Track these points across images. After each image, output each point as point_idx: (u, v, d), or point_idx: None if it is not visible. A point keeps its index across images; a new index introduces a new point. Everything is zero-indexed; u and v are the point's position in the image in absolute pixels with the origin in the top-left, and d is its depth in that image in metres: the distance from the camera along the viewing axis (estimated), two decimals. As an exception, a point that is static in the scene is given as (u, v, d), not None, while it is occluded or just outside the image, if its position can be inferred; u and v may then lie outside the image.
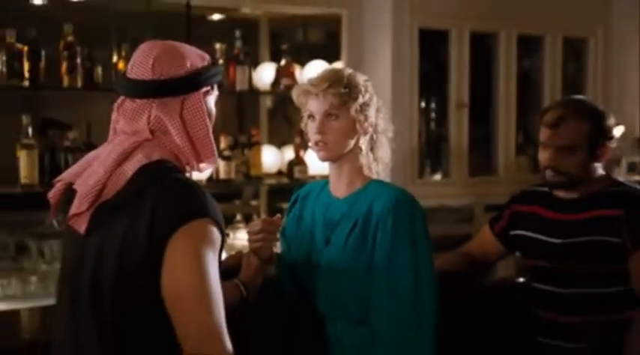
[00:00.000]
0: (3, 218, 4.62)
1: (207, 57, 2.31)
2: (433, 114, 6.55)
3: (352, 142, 2.63)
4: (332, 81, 2.58)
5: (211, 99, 2.30)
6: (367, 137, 2.65)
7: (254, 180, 5.35)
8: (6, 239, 4.62)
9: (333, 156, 2.64)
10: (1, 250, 4.52)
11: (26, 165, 4.38)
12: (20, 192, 4.44)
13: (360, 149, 2.64)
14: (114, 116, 2.27)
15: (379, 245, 2.55)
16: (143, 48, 2.27)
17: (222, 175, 5.10)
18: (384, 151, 2.70)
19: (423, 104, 6.37)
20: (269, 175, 5.41)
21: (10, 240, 4.63)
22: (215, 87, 2.31)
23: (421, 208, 2.61)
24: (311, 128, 2.63)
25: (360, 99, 2.59)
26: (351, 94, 2.58)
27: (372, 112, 2.63)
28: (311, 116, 2.62)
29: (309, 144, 2.69)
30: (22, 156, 4.38)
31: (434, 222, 5.90)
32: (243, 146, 5.26)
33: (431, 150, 6.55)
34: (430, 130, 6.58)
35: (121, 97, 2.24)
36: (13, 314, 2.86)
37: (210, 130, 2.27)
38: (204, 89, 2.25)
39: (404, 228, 2.55)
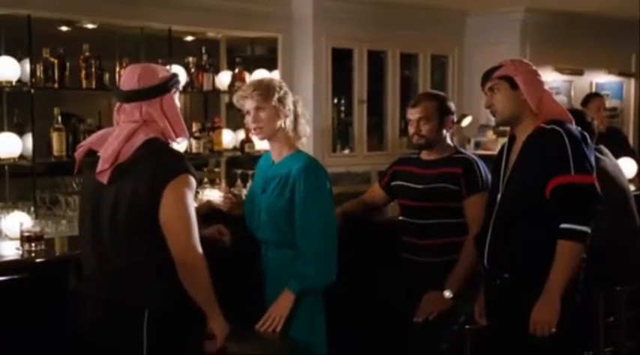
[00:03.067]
0: (41, 180, 4.58)
1: (168, 69, 2.46)
2: (342, 108, 6.51)
3: (277, 124, 2.68)
4: (255, 87, 2.68)
5: (176, 96, 2.42)
6: (289, 120, 2.69)
7: (216, 153, 5.36)
8: (43, 194, 4.60)
9: (266, 136, 2.72)
10: (41, 202, 4.52)
11: (57, 143, 4.45)
12: (53, 162, 4.51)
13: (285, 129, 2.70)
14: (115, 115, 2.38)
15: (296, 198, 2.62)
16: (128, 69, 2.40)
17: (194, 150, 5.14)
18: (303, 128, 2.75)
19: (335, 100, 6.36)
20: (227, 150, 5.42)
21: (46, 195, 4.62)
22: (178, 88, 2.44)
23: (325, 170, 2.71)
24: (248, 120, 2.70)
25: (276, 95, 2.65)
26: (269, 93, 2.65)
27: (288, 103, 2.69)
28: (248, 112, 2.70)
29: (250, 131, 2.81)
30: (54, 136, 4.46)
31: (343, 183, 5.96)
32: (209, 129, 5.29)
33: (341, 133, 6.49)
34: (340, 119, 6.51)
35: (118, 103, 2.37)
36: (51, 240, 2.96)
37: (181, 115, 2.41)
38: (173, 90, 2.38)
39: (311, 185, 2.62)
